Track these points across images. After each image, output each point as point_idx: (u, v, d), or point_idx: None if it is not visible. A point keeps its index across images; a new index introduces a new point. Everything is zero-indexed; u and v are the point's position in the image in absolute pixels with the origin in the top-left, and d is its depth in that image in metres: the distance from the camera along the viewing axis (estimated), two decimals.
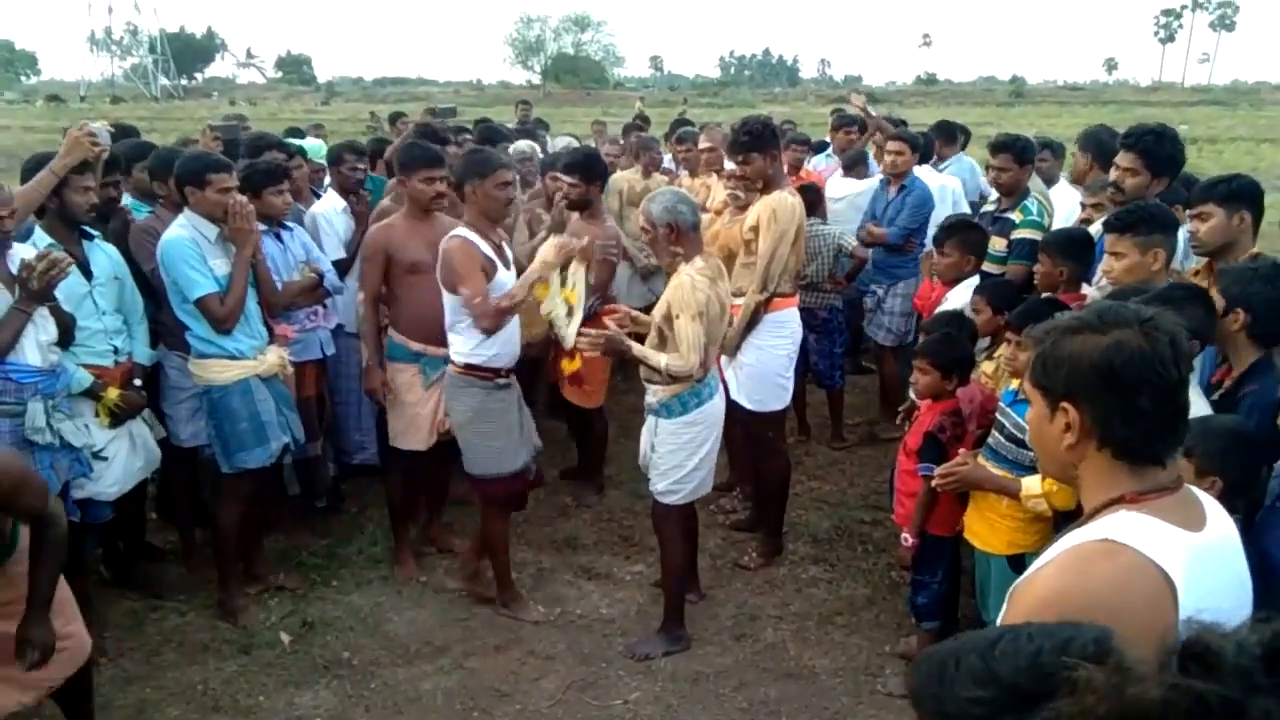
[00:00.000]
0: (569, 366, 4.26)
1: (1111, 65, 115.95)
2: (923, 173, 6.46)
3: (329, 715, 3.55)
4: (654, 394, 3.74)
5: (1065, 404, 1.44)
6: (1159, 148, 3.68)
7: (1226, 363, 2.84)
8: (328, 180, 5.67)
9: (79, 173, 3.71)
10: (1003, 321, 3.62)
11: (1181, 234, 3.38)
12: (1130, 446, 1.43)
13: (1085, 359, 1.41)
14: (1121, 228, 3.10)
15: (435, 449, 4.33)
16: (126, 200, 4.62)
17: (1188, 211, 3.32)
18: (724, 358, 4.48)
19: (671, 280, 3.63)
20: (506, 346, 3.90)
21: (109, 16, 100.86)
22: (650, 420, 3.84)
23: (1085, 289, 3.72)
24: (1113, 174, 3.84)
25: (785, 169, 6.59)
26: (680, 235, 3.62)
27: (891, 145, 5.93)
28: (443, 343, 4.05)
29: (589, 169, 4.89)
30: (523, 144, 6.78)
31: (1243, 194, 3.24)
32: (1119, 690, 0.75)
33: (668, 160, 7.31)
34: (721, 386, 3.91)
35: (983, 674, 0.85)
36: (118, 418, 3.73)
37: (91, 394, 3.65)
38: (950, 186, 6.55)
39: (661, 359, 3.58)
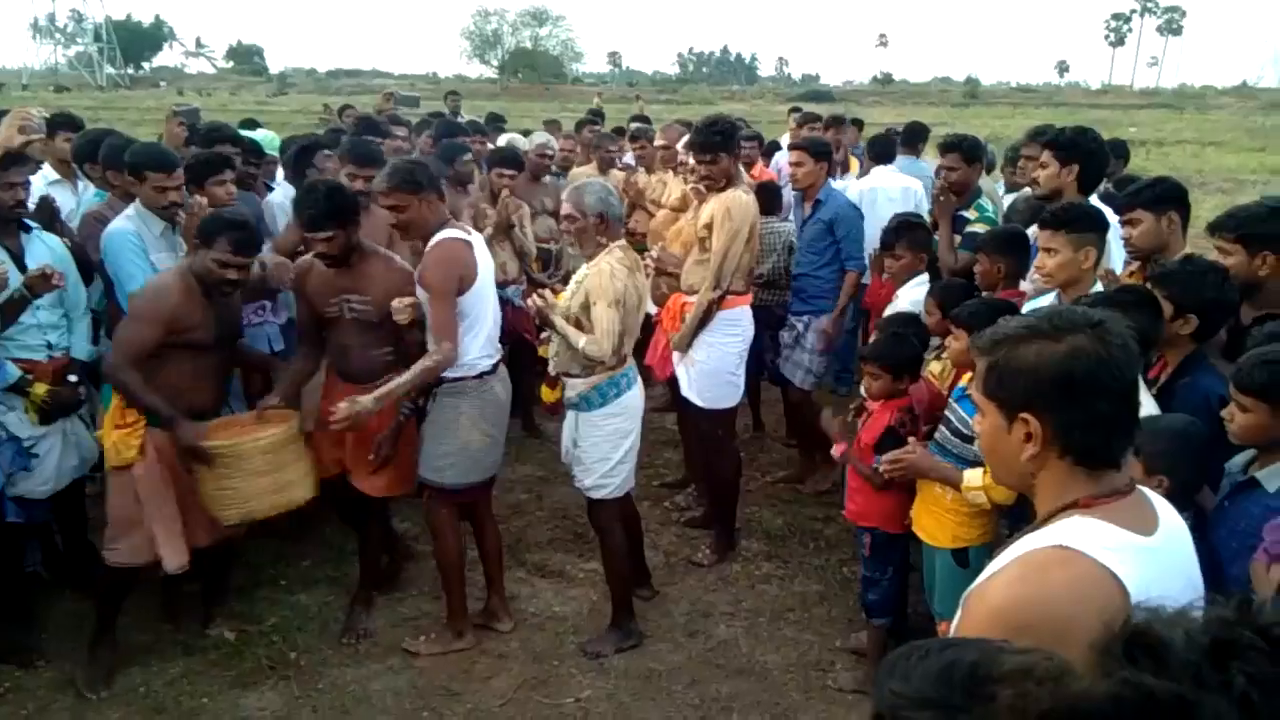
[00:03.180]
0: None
1: (1063, 68, 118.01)
2: (883, 174, 6.36)
3: (275, 716, 3.49)
4: (573, 388, 3.74)
5: (1025, 415, 1.42)
6: (1061, 134, 3.87)
7: (1161, 358, 2.90)
8: (279, 173, 5.60)
9: (3, 169, 3.60)
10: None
11: (1116, 238, 3.45)
12: (1092, 452, 1.42)
13: (1043, 369, 1.39)
14: (1056, 225, 3.15)
15: None
16: (91, 189, 4.56)
17: (1119, 218, 3.40)
18: (675, 354, 4.48)
19: (591, 268, 3.65)
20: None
21: (52, 3, 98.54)
22: (570, 415, 3.82)
23: (1023, 285, 3.78)
24: (1032, 172, 4.02)
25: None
26: (609, 225, 3.69)
27: (791, 156, 5.11)
28: None
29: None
30: (539, 136, 6.75)
31: (1168, 196, 3.34)
32: (1062, 681, 0.74)
33: (628, 156, 7.29)
34: (640, 378, 3.90)
35: (904, 676, 0.84)
36: (47, 414, 3.64)
37: (18, 389, 3.56)
38: (913, 188, 6.35)
39: (581, 339, 3.61)
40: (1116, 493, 1.43)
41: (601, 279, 3.58)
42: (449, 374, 3.66)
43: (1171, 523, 1.48)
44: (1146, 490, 1.52)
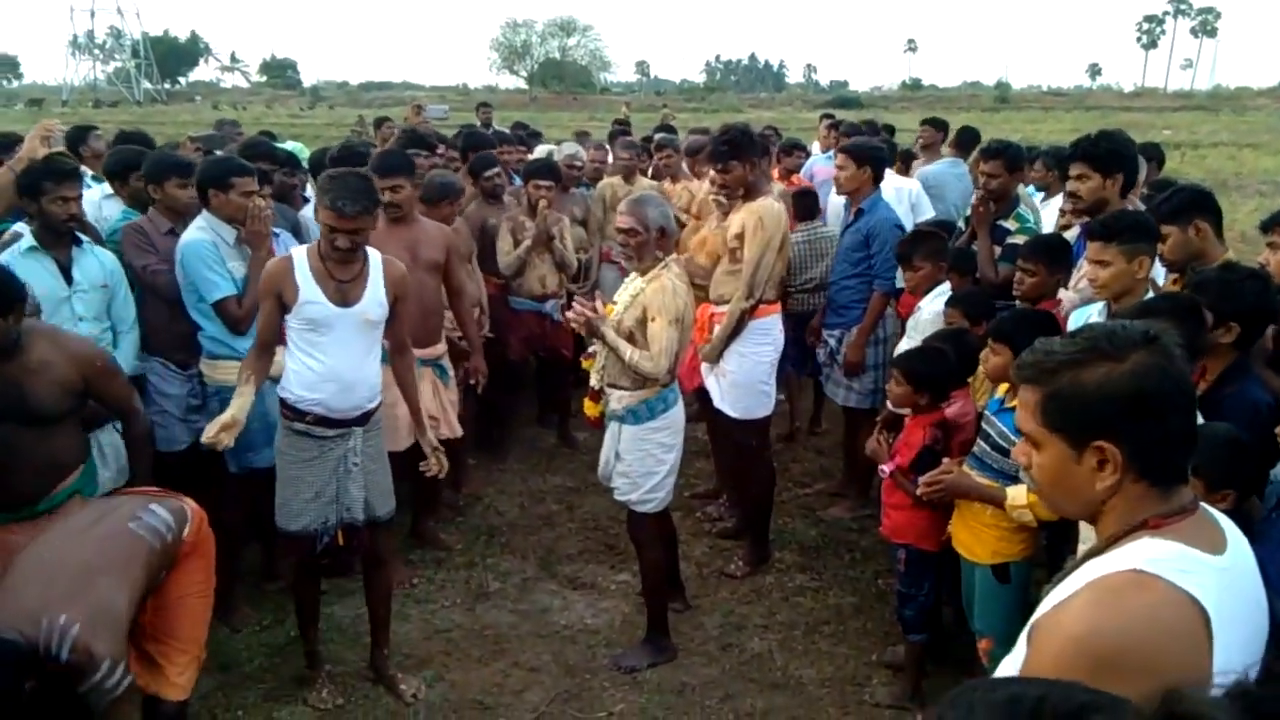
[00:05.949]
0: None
1: (1095, 71, 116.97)
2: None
3: None
4: (619, 400, 3.68)
5: (1100, 442, 1.37)
6: (1096, 147, 3.70)
7: (1201, 366, 2.82)
8: (310, 185, 5.65)
9: (56, 183, 3.70)
10: (981, 332, 3.61)
11: None
12: (1169, 470, 1.39)
13: (1113, 391, 1.35)
14: (1107, 236, 3.04)
15: (416, 450, 4.06)
16: (119, 208, 4.58)
17: None
18: (705, 365, 4.46)
19: (649, 282, 3.61)
20: (314, 392, 3.36)
21: (91, 20, 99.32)
22: (613, 427, 3.77)
23: (1061, 294, 3.71)
24: (1069, 186, 3.82)
25: (777, 175, 6.61)
26: (667, 239, 3.67)
27: (836, 159, 4.99)
28: (422, 343, 4.13)
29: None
30: (569, 146, 6.79)
31: (1188, 206, 3.25)
32: None
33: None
34: (680, 393, 3.87)
35: (968, 709, 0.82)
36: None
37: None
38: (908, 188, 6.42)
39: (631, 352, 3.55)
40: (1184, 510, 1.39)
41: (664, 296, 3.53)
42: (372, 405, 3.51)
43: (1238, 541, 1.44)
44: (1209, 507, 1.47)
